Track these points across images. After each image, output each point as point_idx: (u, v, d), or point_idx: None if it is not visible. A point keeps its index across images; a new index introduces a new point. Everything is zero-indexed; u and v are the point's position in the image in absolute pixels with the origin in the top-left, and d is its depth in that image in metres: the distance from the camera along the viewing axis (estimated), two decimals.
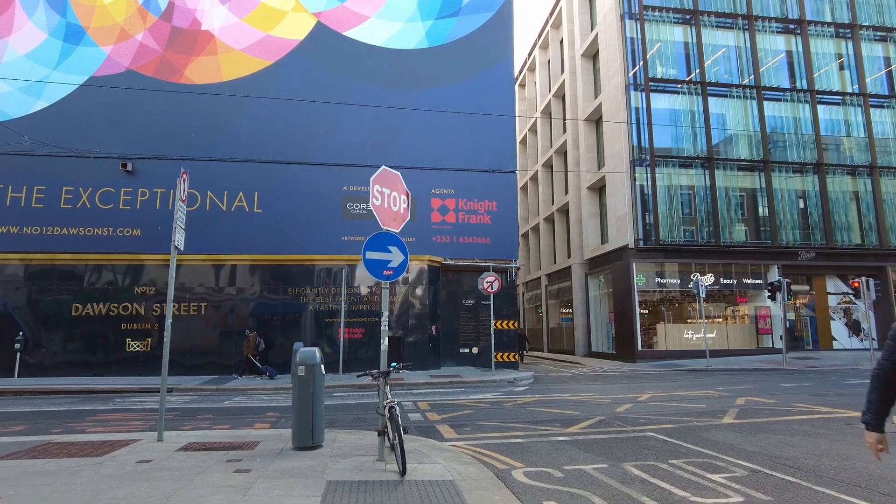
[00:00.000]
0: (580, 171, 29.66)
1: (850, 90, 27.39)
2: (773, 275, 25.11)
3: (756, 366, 20.58)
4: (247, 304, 19.77)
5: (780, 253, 25.34)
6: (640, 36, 26.00)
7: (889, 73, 27.75)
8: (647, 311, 25.01)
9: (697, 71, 26.30)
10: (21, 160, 19.56)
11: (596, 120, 29.51)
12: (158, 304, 19.28)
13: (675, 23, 26.74)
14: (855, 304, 26.10)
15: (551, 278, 34.61)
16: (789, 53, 27.45)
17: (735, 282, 25.44)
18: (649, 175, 24.82)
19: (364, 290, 20.16)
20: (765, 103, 26.40)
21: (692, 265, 24.95)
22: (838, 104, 27.26)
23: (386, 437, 6.19)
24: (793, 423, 8.63)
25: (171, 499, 4.75)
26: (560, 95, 34.37)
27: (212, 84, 21.14)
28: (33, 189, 19.81)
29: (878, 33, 27.96)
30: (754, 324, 25.65)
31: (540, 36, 38.35)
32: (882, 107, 27.42)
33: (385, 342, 6.35)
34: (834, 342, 25.83)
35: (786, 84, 27.06)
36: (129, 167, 20.13)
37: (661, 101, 25.96)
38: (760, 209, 25.97)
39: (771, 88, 26.68)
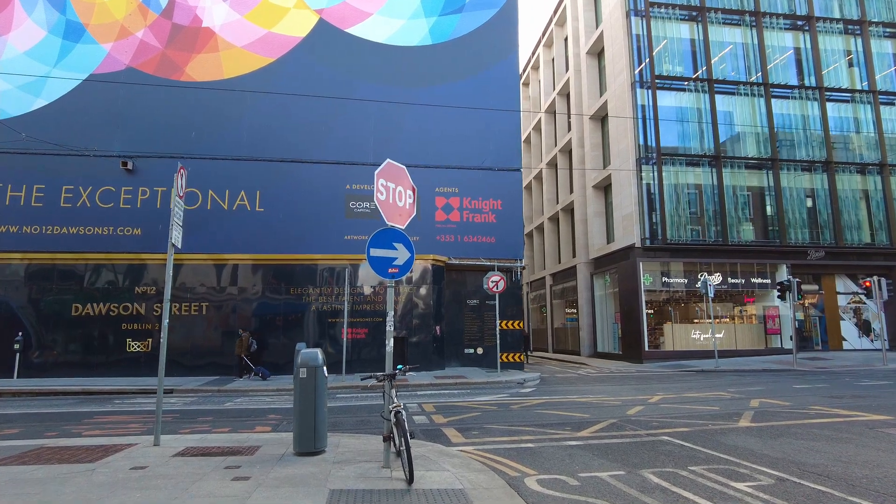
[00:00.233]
0: (586, 168, 29.33)
1: (859, 87, 27.01)
2: (782, 274, 24.76)
3: (766, 366, 20.24)
4: (249, 304, 19.51)
5: (788, 252, 24.98)
6: (645, 33, 25.68)
7: None
8: (653, 311, 24.66)
9: (704, 68, 25.97)
10: (20, 159, 19.35)
11: (601, 118, 29.19)
12: (159, 304, 19.01)
13: (681, 19, 26.41)
14: (865, 304, 25.73)
15: (556, 278, 34.29)
16: (797, 50, 27.09)
17: (743, 281, 25.08)
18: (656, 173, 24.48)
19: (367, 290, 19.89)
20: (773, 101, 26.05)
21: (699, 264, 24.60)
22: (847, 101, 26.89)
23: (392, 443, 5.91)
24: (813, 427, 8.32)
25: None
26: (565, 94, 34.05)
27: (213, 81, 20.88)
28: (33, 188, 19.57)
29: (888, 29, 27.57)
30: (762, 324, 25.30)
31: (544, 34, 38.04)
32: (892, 104, 27.04)
33: (390, 343, 6.06)
34: (844, 343, 25.46)
35: (794, 81, 26.71)
36: (130, 166, 19.88)
37: (667, 99, 25.63)
38: (768, 208, 25.62)
39: (779, 86, 26.31)
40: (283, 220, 20.19)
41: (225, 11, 21.35)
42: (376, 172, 6.10)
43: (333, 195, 20.56)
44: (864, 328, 25.74)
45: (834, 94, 26.71)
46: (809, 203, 25.92)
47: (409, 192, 6.57)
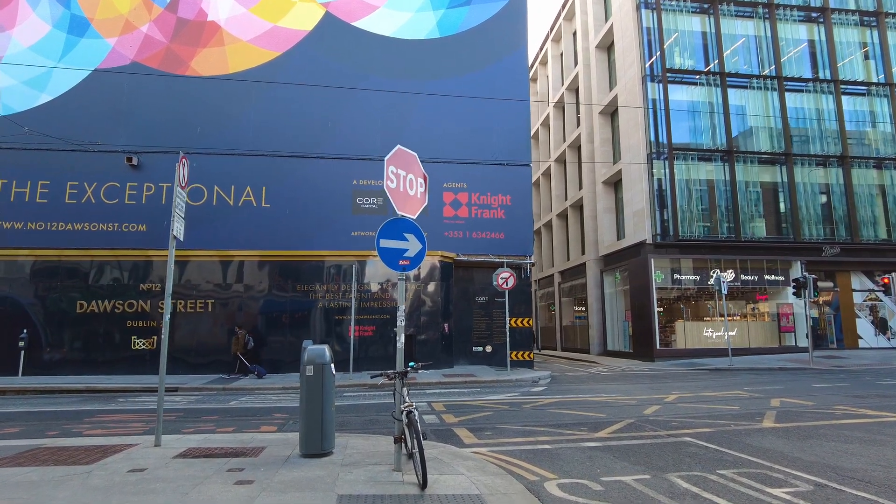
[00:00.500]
0: (596, 162, 28.91)
1: (875, 80, 26.47)
2: (796, 271, 24.31)
3: (781, 365, 19.82)
4: (254, 301, 19.26)
5: (802, 248, 24.51)
6: (656, 26, 25.26)
7: None
8: (663, 308, 24.23)
9: (716, 61, 25.51)
10: (25, 154, 19.17)
11: (611, 113, 28.77)
12: (164, 301, 18.77)
13: (692, 12, 25.96)
14: (881, 301, 25.25)
15: (565, 275, 33.90)
16: (812, 43, 26.58)
17: (756, 278, 24.63)
18: (667, 168, 24.06)
19: (375, 287, 19.59)
20: (786, 94, 25.57)
21: (711, 261, 24.17)
22: (863, 94, 26.37)
23: (403, 445, 5.60)
24: (842, 429, 7.95)
25: None
26: (573, 88, 33.63)
27: (218, 76, 20.62)
28: (38, 184, 19.39)
29: None
30: (776, 321, 24.85)
31: (552, 29, 37.61)
32: None
33: (401, 339, 5.74)
34: (860, 341, 24.95)
35: (808, 74, 26.21)
36: (135, 161, 19.66)
37: (678, 93, 25.19)
38: (782, 203, 25.15)
39: (793, 79, 25.83)
40: (289, 217, 19.91)
41: (230, 5, 21.08)
42: (386, 159, 5.78)
43: (340, 191, 20.27)
44: (881, 326, 25.23)
45: (849, 87, 26.20)
46: (824, 198, 25.44)
47: (421, 179, 6.25)
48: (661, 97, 24.69)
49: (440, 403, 11.57)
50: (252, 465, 5.85)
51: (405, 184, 5.94)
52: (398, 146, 5.99)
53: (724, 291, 20.89)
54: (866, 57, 26.73)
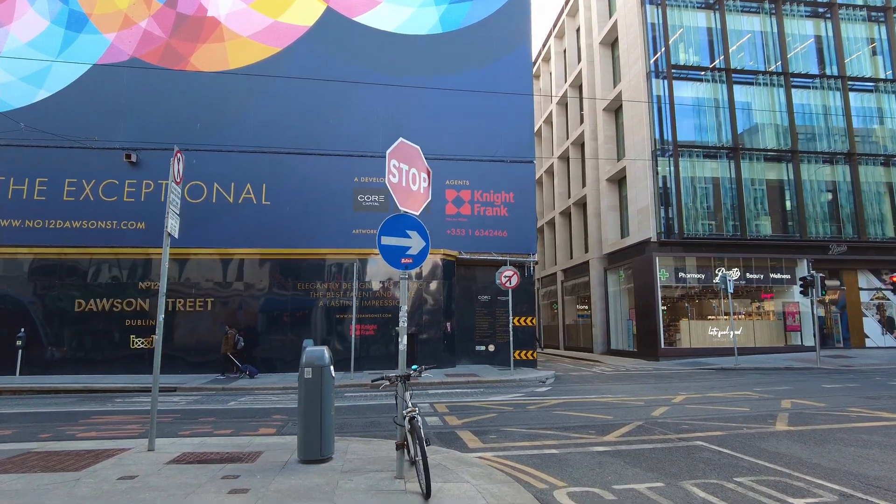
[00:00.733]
0: (600, 158, 28.60)
1: (883, 76, 26.14)
2: (802, 269, 24.03)
3: (788, 364, 19.55)
4: (255, 299, 19.03)
5: (808, 247, 24.22)
6: (661, 21, 24.96)
7: None
8: (666, 307, 23.93)
9: (722, 57, 25.21)
10: (23, 152, 18.94)
11: (615, 109, 28.48)
12: (159, 300, 18.53)
13: (698, 7, 25.64)
14: (889, 300, 24.95)
15: (567, 274, 33.63)
16: (818, 38, 26.25)
17: (761, 277, 24.35)
18: (672, 166, 23.78)
19: (376, 286, 19.35)
20: (793, 91, 25.26)
21: (716, 259, 23.90)
22: (871, 91, 26.05)
23: (406, 451, 5.35)
24: (860, 432, 7.69)
25: None
26: (577, 85, 33.31)
27: (218, 72, 20.37)
28: (35, 181, 19.15)
29: None
30: (782, 320, 24.57)
31: (555, 25, 37.31)
32: None
33: (404, 340, 5.48)
34: (866, 340, 24.67)
35: (815, 70, 25.88)
36: (134, 158, 19.42)
37: (684, 89, 24.91)
38: (788, 201, 24.85)
39: (799, 75, 25.50)
40: (289, 214, 19.67)
41: (230, 0, 20.82)
42: (388, 152, 5.52)
43: (341, 188, 20.02)
44: (888, 325, 24.94)
45: (857, 83, 25.88)
46: (831, 196, 25.14)
47: (424, 174, 6.00)
48: (666, 94, 24.40)
49: (443, 405, 11.33)
50: (248, 471, 5.61)
51: (408, 178, 5.69)
52: (400, 139, 5.73)
53: (731, 290, 20.64)
54: (874, 53, 26.39)
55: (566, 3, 34.97)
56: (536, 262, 21.50)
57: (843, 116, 25.39)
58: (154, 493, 4.82)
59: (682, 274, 24.08)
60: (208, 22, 20.71)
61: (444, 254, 19.59)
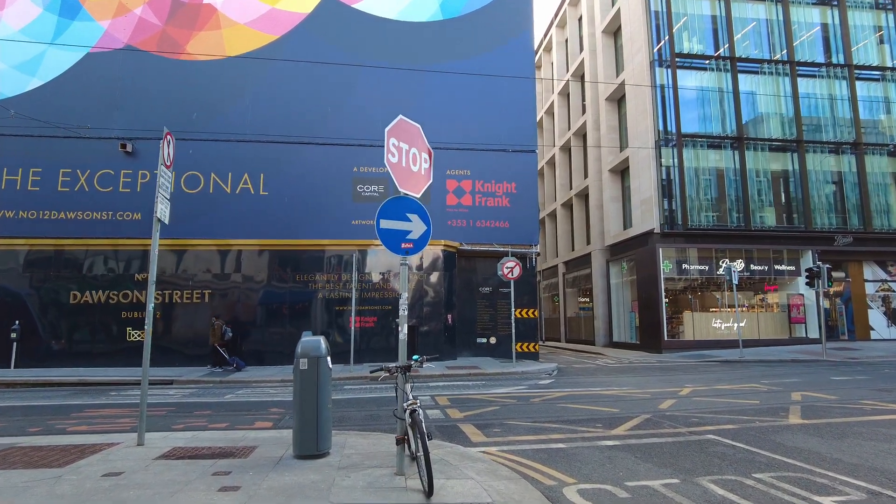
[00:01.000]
0: (602, 146, 28.21)
1: (890, 65, 25.74)
2: (807, 261, 23.73)
3: (793, 356, 19.28)
4: (253, 291, 18.75)
5: (813, 238, 23.90)
6: (665, 9, 24.53)
7: None
8: (671, 299, 23.65)
9: (726, 46, 24.79)
10: (16, 141, 18.61)
11: (618, 99, 28.09)
12: (160, 292, 18.30)
13: None
14: (894, 291, 24.66)
15: (569, 266, 33.33)
16: (825, 26, 25.82)
17: (765, 268, 24.06)
18: (676, 156, 23.43)
19: (376, 277, 19.06)
20: (798, 79, 24.86)
21: (720, 251, 23.59)
22: (877, 80, 25.66)
23: (406, 446, 5.07)
24: (877, 426, 7.41)
25: None
26: (579, 75, 32.87)
27: (215, 60, 19.99)
28: (29, 171, 18.83)
29: None
30: (786, 312, 24.30)
31: (556, 15, 36.83)
32: None
33: (404, 330, 5.19)
34: (871, 332, 24.40)
35: (821, 59, 25.47)
36: (129, 148, 19.10)
37: (688, 78, 24.52)
38: (793, 191, 24.50)
39: (805, 64, 25.11)
40: (288, 205, 19.35)
41: None
42: (387, 130, 5.21)
43: (340, 178, 19.70)
44: (894, 317, 24.65)
45: (863, 72, 25.48)
46: (836, 187, 24.79)
47: (425, 155, 5.69)
48: (670, 83, 24.02)
49: (444, 397, 11.06)
50: (240, 467, 5.34)
51: (408, 158, 5.38)
52: (400, 116, 5.42)
53: (735, 281, 20.35)
54: (881, 41, 25.97)
55: None
56: (538, 254, 21.19)
57: (850, 106, 25.01)
58: (139, 491, 4.54)
59: (686, 265, 23.78)
60: (204, 9, 20.32)
61: (444, 245, 19.28)
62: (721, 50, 24.84)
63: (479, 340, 20.22)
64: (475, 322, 20.30)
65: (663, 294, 22.85)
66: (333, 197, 19.54)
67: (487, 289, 20.38)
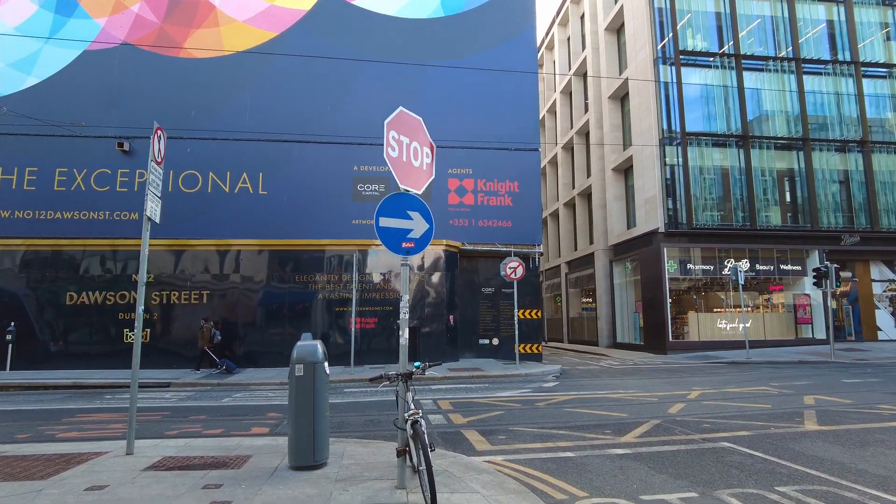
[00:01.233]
0: (605, 143, 27.89)
1: None
2: (813, 261, 23.41)
3: (801, 358, 18.95)
4: (252, 292, 18.47)
5: (820, 237, 23.58)
6: (669, 6, 24.23)
7: None
8: (675, 299, 23.32)
9: (731, 43, 24.48)
10: (11, 140, 18.35)
11: (621, 97, 27.77)
12: (158, 293, 18.05)
13: None
14: None
15: (572, 266, 33.02)
16: (830, 23, 25.48)
17: (771, 268, 23.73)
18: (680, 154, 23.12)
19: (377, 278, 18.77)
20: (804, 77, 24.53)
21: (725, 250, 23.27)
22: (884, 77, 25.32)
23: (408, 457, 4.78)
24: None
25: None
26: (581, 73, 32.56)
27: (213, 58, 19.72)
28: (25, 171, 18.59)
29: None
30: (792, 313, 23.98)
31: (558, 13, 36.53)
32: None
33: (405, 334, 4.90)
34: (879, 333, 24.08)
35: (827, 56, 25.14)
36: (126, 147, 18.85)
37: (692, 76, 24.19)
38: (799, 190, 24.16)
39: (811, 61, 24.79)
40: (287, 204, 19.08)
41: None
42: (386, 122, 4.93)
43: (340, 177, 19.42)
44: None
45: (870, 69, 25.15)
46: (843, 185, 24.46)
47: (427, 149, 5.40)
48: (674, 80, 23.71)
49: (446, 401, 10.77)
50: (233, 479, 5.05)
51: (409, 153, 5.09)
52: (400, 108, 5.13)
53: (741, 281, 20.03)
54: (888, 38, 25.64)
55: None
56: (542, 253, 20.90)
57: (856, 103, 24.69)
58: None
59: (690, 265, 23.47)
60: (202, 6, 20.06)
61: (446, 245, 19.00)
62: (726, 47, 24.53)
63: (481, 342, 19.93)
64: (477, 323, 20.01)
65: (668, 294, 22.54)
66: (333, 196, 19.27)
67: (490, 289, 20.09)
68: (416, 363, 4.91)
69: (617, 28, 28.47)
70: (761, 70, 24.64)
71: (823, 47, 25.27)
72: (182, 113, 19.12)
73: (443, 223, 19.05)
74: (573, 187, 33.18)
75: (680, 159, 23.10)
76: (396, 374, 4.71)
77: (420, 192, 5.18)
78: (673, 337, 22.49)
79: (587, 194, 31.33)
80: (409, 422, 4.45)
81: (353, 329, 16.62)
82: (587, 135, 31.10)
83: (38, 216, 18.39)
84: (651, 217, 23.38)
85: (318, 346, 5.58)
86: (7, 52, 19.10)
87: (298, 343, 5.59)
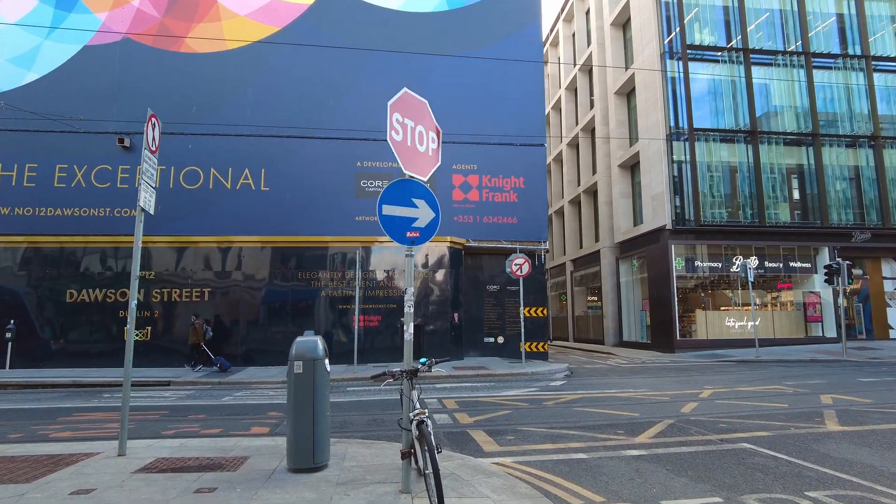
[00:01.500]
0: (611, 138, 27.53)
1: None
2: (823, 258, 23.04)
3: (812, 356, 18.60)
4: (254, 289, 18.21)
5: (830, 234, 23.19)
6: (675, 0, 23.85)
7: None
8: (682, 297, 22.96)
9: (739, 37, 24.09)
10: (11, 136, 18.13)
11: (627, 93, 27.42)
12: (159, 290, 17.82)
13: None
14: None
15: (577, 264, 32.67)
16: (840, 17, 25.07)
17: (780, 265, 23.35)
18: (688, 150, 22.76)
19: (381, 275, 18.49)
20: (814, 71, 24.13)
21: (733, 247, 22.91)
22: (895, 71, 24.88)
23: (413, 459, 4.50)
24: None
25: None
26: (586, 69, 32.21)
27: (215, 53, 19.48)
28: (24, 167, 18.37)
29: None
30: (802, 311, 23.61)
31: (563, 9, 36.17)
32: None
33: (410, 330, 4.61)
34: (890, 331, 23.67)
35: (837, 50, 24.72)
36: (127, 143, 18.61)
37: (699, 71, 23.80)
38: (808, 187, 23.75)
39: (820, 55, 24.37)
40: (289, 201, 18.82)
41: None
42: (389, 104, 4.65)
43: (343, 173, 19.15)
44: None
45: (881, 63, 24.73)
46: (853, 181, 24.05)
47: (433, 134, 5.12)
48: (681, 75, 23.35)
49: (452, 400, 10.49)
50: (228, 482, 4.78)
51: (413, 137, 4.81)
52: (405, 89, 4.86)
53: (751, 279, 19.69)
54: None
55: None
56: (548, 250, 20.59)
57: (867, 98, 24.27)
58: None
59: (698, 263, 23.11)
60: (204, 0, 19.79)
61: (451, 241, 18.71)
62: (734, 41, 24.15)
63: (486, 340, 19.64)
64: (482, 321, 19.71)
65: (676, 292, 22.20)
66: (336, 193, 19.00)
67: (495, 287, 19.79)
68: (423, 360, 4.62)
69: (623, 23, 28.12)
70: (770, 64, 24.26)
71: (833, 41, 24.85)
72: (183, 108, 18.87)
73: (447, 220, 18.75)
74: (578, 184, 32.83)
75: (687, 155, 22.76)
76: (401, 372, 4.42)
77: (425, 180, 4.89)
78: (680, 335, 22.15)
79: (593, 191, 30.99)
80: (414, 422, 4.16)
81: (356, 327, 16.33)
82: (592, 131, 30.74)
83: (39, 213, 18.17)
84: (658, 214, 23.04)
85: (319, 341, 5.30)
86: (7, 47, 18.89)
87: (298, 339, 5.32)
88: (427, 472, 3.98)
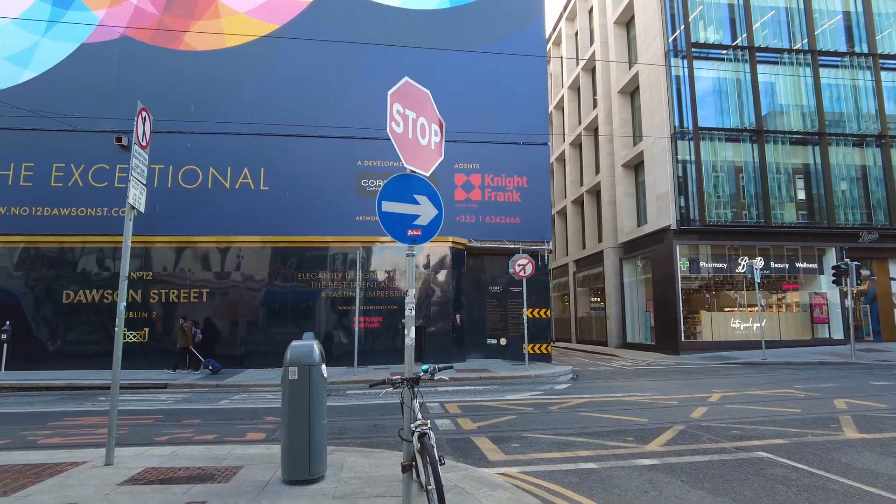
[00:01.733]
0: (615, 136, 27.23)
1: None
2: (830, 258, 22.75)
3: (820, 359, 18.30)
4: (254, 290, 17.95)
5: (836, 234, 22.90)
6: None
7: None
8: (686, 298, 22.65)
9: (745, 35, 23.81)
10: (7, 135, 17.89)
11: (631, 92, 27.14)
12: (156, 291, 17.57)
13: None
14: None
15: (580, 265, 32.38)
16: (847, 14, 24.79)
17: (786, 266, 23.05)
18: (692, 150, 22.47)
19: (381, 276, 18.22)
20: (820, 70, 23.84)
21: (738, 248, 22.62)
22: None
23: (414, 472, 4.22)
24: None
25: None
26: (590, 68, 31.94)
27: (214, 50, 19.23)
28: (21, 166, 18.12)
29: None
30: (808, 312, 23.33)
31: (566, 8, 35.91)
32: None
33: (411, 334, 4.31)
34: None
35: (843, 48, 24.42)
36: (125, 142, 18.33)
37: (704, 69, 23.53)
38: (815, 186, 23.45)
39: (827, 53, 24.09)
40: (289, 200, 18.56)
41: None
42: (390, 93, 4.38)
43: (344, 172, 18.89)
44: None
45: (888, 61, 24.42)
46: (860, 181, 23.73)
47: (436, 126, 4.84)
48: (686, 74, 23.05)
49: (454, 404, 10.21)
50: (219, 495, 4.51)
51: (415, 129, 4.53)
52: (406, 79, 4.58)
53: (758, 279, 19.39)
54: None
55: None
56: (551, 251, 20.30)
57: (874, 96, 23.97)
58: None
59: (703, 263, 22.81)
60: None
61: (453, 241, 18.43)
62: (739, 39, 23.87)
63: (488, 341, 19.35)
64: (484, 322, 19.43)
65: (680, 293, 21.90)
66: (336, 192, 18.73)
67: (497, 288, 19.51)
68: (425, 366, 4.33)
69: (627, 21, 27.86)
70: (776, 63, 23.97)
71: (840, 39, 24.56)
72: (182, 107, 18.61)
73: (449, 219, 18.43)
74: (581, 184, 32.53)
75: (692, 155, 22.48)
76: (401, 380, 4.14)
77: (427, 175, 4.62)
78: (685, 337, 21.86)
79: (596, 191, 30.71)
80: (415, 434, 3.88)
81: (356, 328, 16.07)
82: (596, 130, 30.46)
83: (35, 213, 17.93)
84: (663, 214, 22.75)
85: (315, 346, 5.03)
86: (3, 45, 18.66)
87: (293, 343, 5.05)
88: (430, 487, 3.70)
